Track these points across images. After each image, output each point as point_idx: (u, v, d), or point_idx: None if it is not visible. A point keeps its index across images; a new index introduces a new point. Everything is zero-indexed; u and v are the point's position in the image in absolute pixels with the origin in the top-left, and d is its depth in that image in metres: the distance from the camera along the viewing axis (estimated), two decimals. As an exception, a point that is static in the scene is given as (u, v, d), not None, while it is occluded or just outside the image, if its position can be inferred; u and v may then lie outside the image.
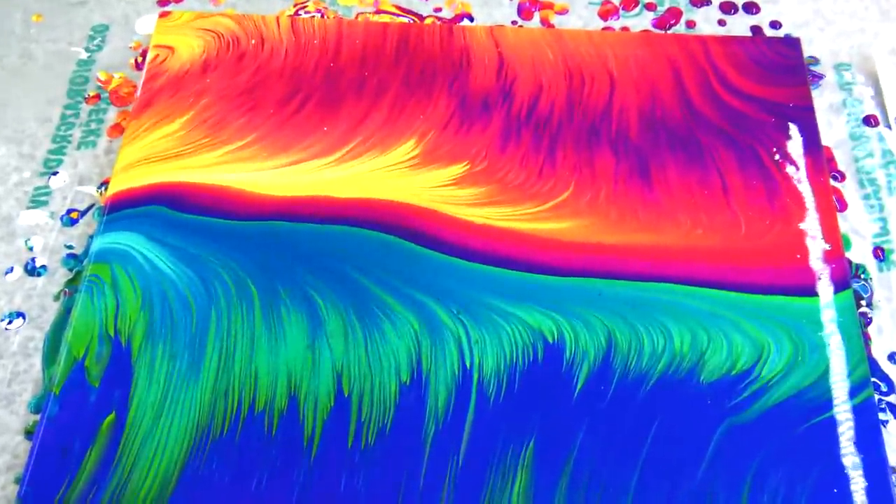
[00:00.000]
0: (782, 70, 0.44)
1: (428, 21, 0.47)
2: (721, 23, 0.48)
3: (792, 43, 0.45)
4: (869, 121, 0.44)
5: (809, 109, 0.42)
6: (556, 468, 0.33)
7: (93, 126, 0.45)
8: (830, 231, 0.39)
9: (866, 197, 0.42)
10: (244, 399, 0.35)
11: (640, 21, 0.48)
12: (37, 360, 0.38)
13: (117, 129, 0.45)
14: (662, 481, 0.33)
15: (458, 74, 0.44)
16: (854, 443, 0.34)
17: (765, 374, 0.35)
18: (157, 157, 0.41)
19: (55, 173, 0.43)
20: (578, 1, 0.49)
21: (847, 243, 0.41)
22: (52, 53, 0.48)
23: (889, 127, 0.44)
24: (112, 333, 0.36)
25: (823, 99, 0.45)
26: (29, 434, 0.36)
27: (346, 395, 0.35)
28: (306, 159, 0.41)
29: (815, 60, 0.47)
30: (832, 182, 0.42)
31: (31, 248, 0.41)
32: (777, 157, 0.41)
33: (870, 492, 0.33)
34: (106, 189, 0.41)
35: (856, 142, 0.44)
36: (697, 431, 0.34)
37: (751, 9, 0.48)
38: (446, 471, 0.33)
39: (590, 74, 0.44)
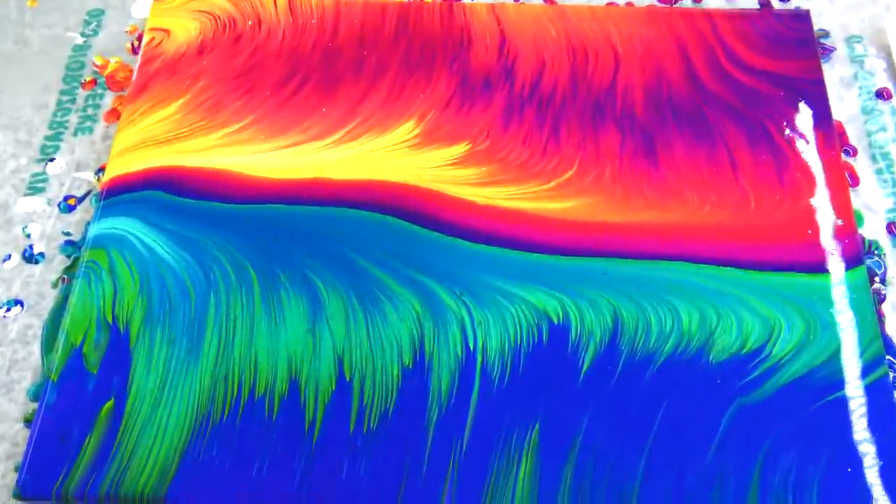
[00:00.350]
0: (792, 44, 0.43)
1: (428, -1, 0.46)
2: (728, -4, 0.47)
3: (802, 16, 0.44)
4: (882, 94, 0.43)
5: (820, 83, 0.41)
6: (561, 451, 0.32)
7: (89, 111, 0.44)
8: (842, 206, 0.38)
9: (879, 172, 0.41)
10: (244, 384, 0.34)
11: (644, -4, 0.47)
12: (35, 348, 0.38)
13: (114, 115, 0.44)
14: (671, 464, 0.32)
15: (459, 53, 0.43)
16: (867, 422, 0.33)
17: (776, 353, 0.34)
18: (153, 141, 0.40)
19: (52, 160, 0.43)
20: (581, -23, 0.48)
21: (860, 219, 0.40)
22: (48, 39, 0.47)
23: (902, 100, 0.43)
24: (110, 319, 0.36)
25: (834, 73, 0.44)
26: (28, 422, 0.36)
27: (347, 379, 0.34)
28: (305, 141, 0.40)
29: (826, 33, 0.45)
30: (844, 157, 0.41)
31: (28, 236, 0.41)
32: (787, 132, 0.40)
33: (884, 471, 0.32)
34: (103, 175, 0.41)
35: (868, 116, 0.43)
36: (707, 412, 0.33)
37: (759, -18, 0.47)
38: (450, 455, 0.32)
39: (594, 51, 0.43)
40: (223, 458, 0.33)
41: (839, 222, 0.37)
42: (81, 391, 0.34)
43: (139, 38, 0.46)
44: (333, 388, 0.34)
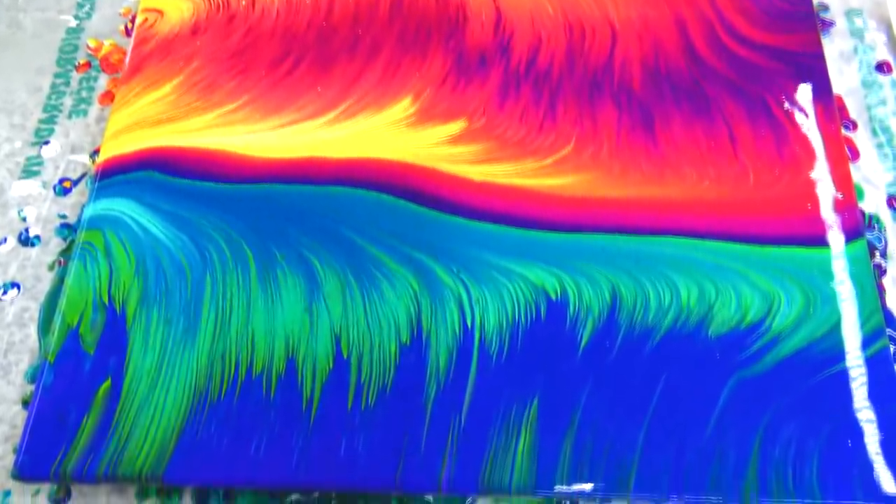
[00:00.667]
0: (791, 17, 0.42)
1: (423, -22, 0.46)
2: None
3: (801, -11, 0.44)
4: (882, 67, 0.43)
5: (820, 56, 0.41)
6: (560, 426, 0.32)
7: (84, 94, 0.44)
8: (842, 179, 0.37)
9: (879, 146, 0.41)
10: (241, 363, 0.34)
11: (642, -28, 0.47)
12: (32, 331, 0.38)
13: (109, 97, 0.44)
14: (670, 438, 0.32)
15: (455, 30, 0.42)
16: (868, 394, 0.33)
17: (775, 327, 0.34)
18: (147, 121, 0.40)
19: (47, 143, 0.43)
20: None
21: (860, 193, 0.39)
22: (41, 22, 0.47)
23: (902, 73, 0.43)
24: (106, 300, 0.35)
25: (834, 46, 0.44)
26: (26, 404, 0.36)
27: (345, 357, 0.34)
28: (300, 120, 0.40)
29: (825, 7, 0.45)
30: (844, 131, 0.41)
31: (24, 219, 0.40)
32: (786, 105, 0.39)
33: (884, 444, 0.32)
34: (98, 157, 0.40)
35: (868, 89, 0.42)
36: (706, 386, 0.33)
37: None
38: (448, 431, 0.32)
39: (590, 27, 0.42)
40: (221, 437, 0.33)
41: (839, 195, 0.37)
42: (78, 372, 0.34)
43: (133, 21, 0.46)
44: (331, 365, 0.34)
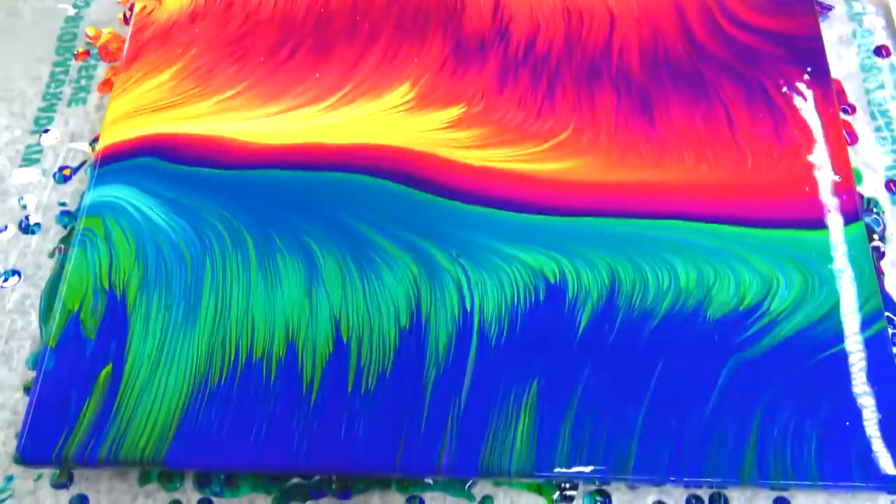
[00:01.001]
0: (790, 1, 0.42)
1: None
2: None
3: (799, -26, 0.44)
4: (880, 51, 0.43)
5: (818, 40, 0.41)
6: (559, 409, 0.32)
7: (83, 83, 0.44)
8: (840, 162, 0.37)
9: (878, 129, 0.41)
10: (241, 348, 0.34)
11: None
12: (33, 318, 0.38)
13: (108, 85, 0.44)
14: (669, 419, 0.32)
15: (453, 16, 0.42)
16: (866, 375, 0.33)
17: (773, 309, 0.34)
18: (147, 108, 0.40)
19: (46, 131, 0.43)
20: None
21: (858, 177, 0.39)
22: (40, 11, 0.47)
23: (901, 57, 0.43)
24: (106, 286, 0.36)
25: (833, 31, 0.44)
26: (28, 390, 0.36)
27: (344, 342, 0.34)
28: (299, 106, 0.40)
29: (824, -9, 0.45)
30: (843, 115, 0.41)
31: (24, 207, 0.41)
32: (784, 89, 0.39)
33: (882, 425, 0.32)
34: (97, 144, 0.40)
35: (867, 73, 0.42)
36: (705, 368, 0.33)
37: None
38: (448, 414, 0.32)
39: (589, 12, 0.42)
40: (222, 422, 0.33)
41: (837, 178, 0.37)
42: (79, 357, 0.34)
43: (131, 9, 0.46)
44: (331, 350, 0.34)
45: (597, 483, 0.34)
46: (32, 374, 0.36)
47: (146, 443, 0.32)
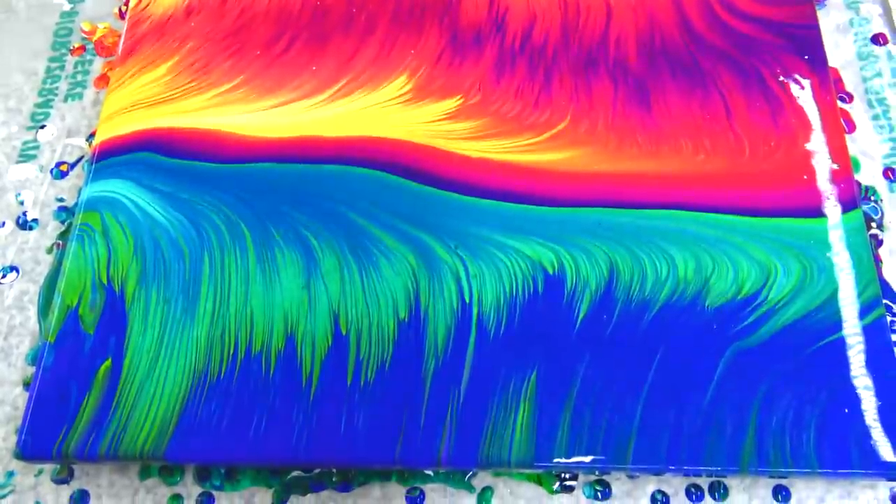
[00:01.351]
0: (786, -10, 0.42)
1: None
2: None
3: (795, -38, 0.43)
4: (877, 39, 0.43)
5: (815, 28, 0.41)
6: (559, 399, 0.32)
7: (79, 78, 0.44)
8: (838, 150, 0.37)
9: (875, 118, 0.41)
10: (240, 341, 0.34)
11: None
12: (32, 314, 0.38)
13: (104, 80, 0.44)
14: (668, 409, 0.32)
15: (449, 8, 0.42)
16: (865, 363, 0.33)
17: (772, 297, 0.34)
18: (143, 103, 0.40)
19: (43, 126, 0.43)
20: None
21: (856, 165, 0.39)
22: (35, 6, 0.47)
23: (898, 45, 0.43)
24: (105, 281, 0.36)
25: (830, 19, 0.44)
26: (27, 386, 0.36)
27: (343, 334, 0.34)
28: (296, 99, 0.40)
29: (821, -20, 0.45)
30: (840, 104, 0.41)
31: (21, 203, 0.40)
32: (781, 77, 0.39)
33: (881, 412, 0.32)
34: (94, 139, 0.40)
35: (864, 61, 0.42)
36: (703, 357, 0.33)
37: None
38: (447, 405, 0.32)
39: (585, 3, 0.42)
40: (221, 415, 0.33)
41: (835, 166, 0.37)
42: (78, 352, 0.34)
43: (126, 3, 0.46)
44: (330, 342, 0.34)
45: (596, 473, 0.34)
46: (32, 369, 0.36)
47: (146, 437, 0.32)
